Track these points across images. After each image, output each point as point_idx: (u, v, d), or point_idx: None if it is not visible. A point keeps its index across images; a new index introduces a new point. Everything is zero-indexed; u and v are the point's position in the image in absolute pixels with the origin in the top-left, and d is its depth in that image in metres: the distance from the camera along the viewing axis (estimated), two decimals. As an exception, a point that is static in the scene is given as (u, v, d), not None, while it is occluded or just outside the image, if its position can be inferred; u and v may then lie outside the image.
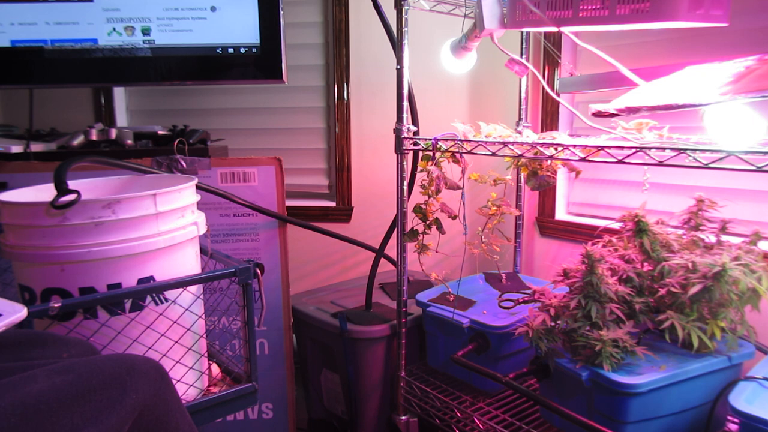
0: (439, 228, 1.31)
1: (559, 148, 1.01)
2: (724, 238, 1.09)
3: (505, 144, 1.11)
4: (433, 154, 1.25)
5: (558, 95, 1.57)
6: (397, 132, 1.32)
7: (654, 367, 0.97)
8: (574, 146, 0.98)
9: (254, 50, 1.46)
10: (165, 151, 1.45)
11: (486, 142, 1.14)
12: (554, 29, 1.06)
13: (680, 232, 1.13)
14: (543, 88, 1.68)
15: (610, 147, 0.92)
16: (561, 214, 1.72)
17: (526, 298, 1.22)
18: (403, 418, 1.45)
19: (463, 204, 1.25)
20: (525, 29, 1.42)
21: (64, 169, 0.92)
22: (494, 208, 1.40)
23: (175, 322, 0.94)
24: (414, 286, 1.61)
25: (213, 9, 1.44)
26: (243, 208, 1.49)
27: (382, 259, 1.60)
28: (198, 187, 1.07)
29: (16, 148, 1.45)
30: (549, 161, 1.33)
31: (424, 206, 1.30)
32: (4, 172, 1.38)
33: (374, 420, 1.52)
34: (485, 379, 1.26)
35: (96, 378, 0.59)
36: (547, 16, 1.05)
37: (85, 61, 1.44)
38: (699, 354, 1.00)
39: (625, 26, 0.97)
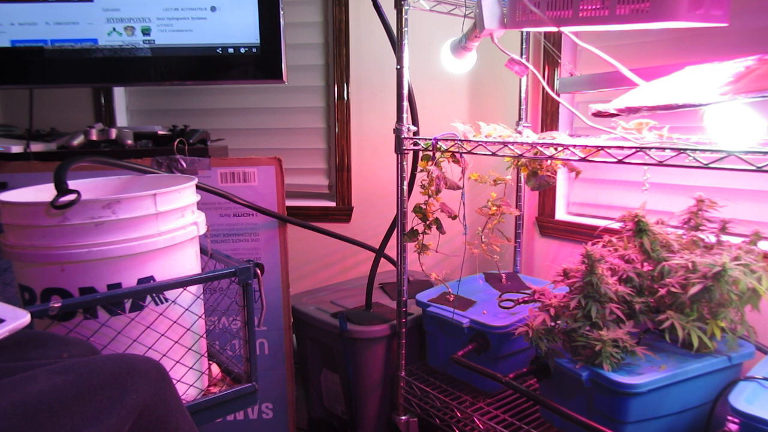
0: (439, 228, 1.31)
1: (559, 148, 1.01)
2: (724, 238, 1.09)
3: (505, 144, 1.11)
4: (433, 154, 1.25)
5: (558, 95, 1.57)
6: (397, 132, 1.32)
7: (654, 367, 0.97)
8: (574, 146, 0.98)
9: (254, 50, 1.46)
10: (165, 151, 1.45)
11: (486, 142, 1.14)
12: (554, 29, 1.06)
13: (680, 232, 1.13)
14: (543, 88, 1.68)
15: (610, 147, 0.92)
16: (561, 214, 1.72)
17: (526, 298, 1.22)
18: (403, 418, 1.45)
19: (463, 204, 1.25)
20: (525, 29, 1.42)
21: (64, 169, 0.92)
22: (494, 208, 1.40)
23: (175, 322, 0.94)
24: (414, 286, 1.61)
25: (213, 9, 1.44)
26: (243, 208, 1.49)
27: (382, 259, 1.60)
28: (198, 187, 1.07)
29: (16, 148, 1.45)
30: (549, 161, 1.33)
31: (424, 206, 1.30)
32: (4, 172, 1.38)
33: (374, 420, 1.52)
34: (485, 379, 1.26)
35: (96, 378, 0.59)
36: (547, 16, 1.05)
37: (85, 61, 1.44)
38: (699, 354, 1.00)
39: (625, 26, 0.97)
